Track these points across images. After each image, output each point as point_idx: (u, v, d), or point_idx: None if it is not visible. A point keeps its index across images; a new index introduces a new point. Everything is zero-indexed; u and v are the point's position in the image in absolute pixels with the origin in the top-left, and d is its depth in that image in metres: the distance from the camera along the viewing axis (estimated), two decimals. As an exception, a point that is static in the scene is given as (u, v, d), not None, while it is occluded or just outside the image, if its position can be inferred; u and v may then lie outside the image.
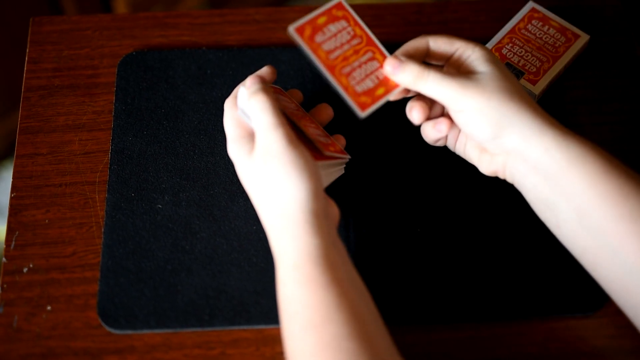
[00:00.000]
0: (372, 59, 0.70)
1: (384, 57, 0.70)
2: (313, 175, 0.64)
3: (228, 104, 0.71)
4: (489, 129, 0.66)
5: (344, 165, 0.75)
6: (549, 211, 0.67)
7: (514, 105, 0.65)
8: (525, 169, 0.66)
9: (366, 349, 0.59)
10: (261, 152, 0.65)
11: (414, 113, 0.70)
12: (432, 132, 0.71)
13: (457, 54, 0.69)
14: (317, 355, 0.59)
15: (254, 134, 0.68)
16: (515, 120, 0.65)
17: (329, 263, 0.62)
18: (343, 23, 0.70)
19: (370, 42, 0.70)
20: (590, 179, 0.63)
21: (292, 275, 0.62)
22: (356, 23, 0.70)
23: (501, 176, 0.70)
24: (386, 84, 0.69)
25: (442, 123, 0.70)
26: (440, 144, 0.73)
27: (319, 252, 0.62)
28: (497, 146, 0.67)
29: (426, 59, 0.71)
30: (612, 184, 0.62)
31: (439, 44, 0.70)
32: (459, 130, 0.72)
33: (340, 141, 0.75)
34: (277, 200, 0.64)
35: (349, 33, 0.70)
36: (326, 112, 0.76)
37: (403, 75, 0.68)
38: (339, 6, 0.70)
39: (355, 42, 0.70)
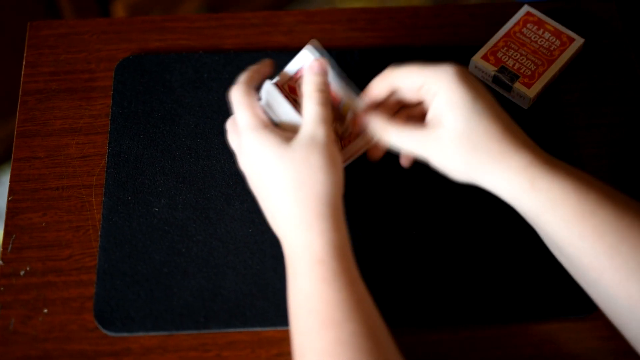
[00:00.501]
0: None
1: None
2: (342, 175, 0.66)
3: (239, 91, 0.69)
4: (460, 179, 0.67)
5: None
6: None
7: (478, 161, 0.65)
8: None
9: (379, 348, 0.59)
10: (305, 143, 0.65)
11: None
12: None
13: (425, 88, 0.67)
14: (335, 352, 0.59)
15: (271, 124, 0.67)
16: (482, 175, 0.65)
17: (349, 261, 0.62)
18: None
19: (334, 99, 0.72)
20: (563, 222, 0.63)
21: (316, 270, 0.61)
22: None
23: None
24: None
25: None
26: None
27: (342, 250, 0.62)
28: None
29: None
30: (586, 225, 0.62)
31: (405, 81, 0.68)
32: None
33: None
34: (310, 194, 0.63)
35: None
36: None
37: (370, 126, 0.69)
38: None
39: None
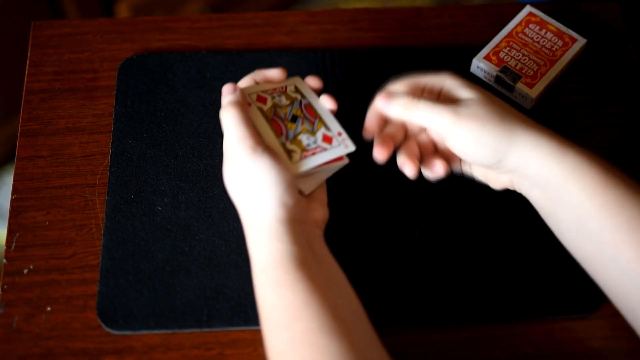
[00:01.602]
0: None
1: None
2: (278, 185, 0.65)
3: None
4: (489, 155, 0.67)
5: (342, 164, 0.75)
6: (552, 219, 0.68)
7: (508, 127, 0.66)
8: (528, 184, 0.68)
9: (340, 341, 0.59)
10: (230, 161, 0.68)
11: (406, 169, 0.71)
12: (432, 175, 0.73)
13: (426, 90, 0.70)
14: (291, 351, 0.60)
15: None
16: (513, 142, 0.66)
17: (296, 264, 0.63)
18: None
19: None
20: (587, 191, 0.64)
21: (261, 278, 0.64)
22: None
23: (511, 189, 0.72)
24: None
25: (437, 165, 0.72)
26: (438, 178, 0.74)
27: (284, 255, 0.63)
28: (500, 168, 0.69)
29: None
30: (609, 195, 0.63)
31: (405, 87, 0.71)
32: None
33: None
34: (248, 206, 0.66)
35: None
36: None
37: (394, 106, 0.70)
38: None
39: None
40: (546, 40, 0.85)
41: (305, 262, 0.63)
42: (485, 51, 0.84)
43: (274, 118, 0.72)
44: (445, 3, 1.97)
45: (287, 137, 0.70)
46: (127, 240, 0.75)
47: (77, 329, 0.72)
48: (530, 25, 0.86)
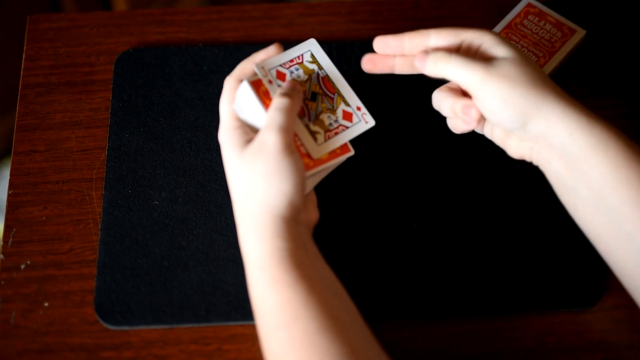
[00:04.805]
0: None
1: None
2: (295, 185, 0.64)
3: (228, 85, 0.69)
4: (515, 117, 0.65)
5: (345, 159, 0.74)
6: (568, 195, 0.66)
7: (538, 91, 0.64)
8: (550, 155, 0.66)
9: (339, 342, 0.59)
10: (255, 148, 0.65)
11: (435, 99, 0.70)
12: (462, 125, 0.69)
13: (465, 44, 0.68)
14: (290, 352, 0.59)
15: (246, 127, 0.68)
16: (541, 107, 0.64)
17: (294, 262, 0.62)
18: None
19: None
20: (611, 164, 0.62)
21: (259, 276, 0.63)
22: None
23: (527, 160, 0.69)
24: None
25: (473, 107, 0.68)
26: (466, 130, 0.70)
27: (283, 254, 0.62)
28: (523, 133, 0.66)
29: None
30: (632, 171, 0.62)
31: (443, 36, 0.69)
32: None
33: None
34: (251, 200, 0.64)
35: None
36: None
37: (428, 62, 0.67)
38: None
39: None
40: (545, 32, 0.84)
41: (302, 262, 0.63)
42: (484, 43, 0.84)
43: None
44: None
45: (309, 118, 0.69)
46: (124, 235, 0.75)
47: (75, 324, 0.71)
48: (529, 17, 0.85)
